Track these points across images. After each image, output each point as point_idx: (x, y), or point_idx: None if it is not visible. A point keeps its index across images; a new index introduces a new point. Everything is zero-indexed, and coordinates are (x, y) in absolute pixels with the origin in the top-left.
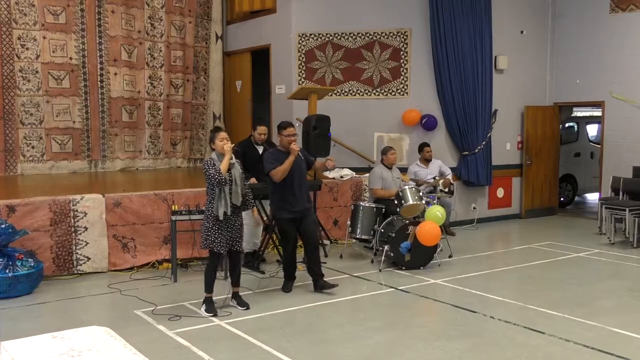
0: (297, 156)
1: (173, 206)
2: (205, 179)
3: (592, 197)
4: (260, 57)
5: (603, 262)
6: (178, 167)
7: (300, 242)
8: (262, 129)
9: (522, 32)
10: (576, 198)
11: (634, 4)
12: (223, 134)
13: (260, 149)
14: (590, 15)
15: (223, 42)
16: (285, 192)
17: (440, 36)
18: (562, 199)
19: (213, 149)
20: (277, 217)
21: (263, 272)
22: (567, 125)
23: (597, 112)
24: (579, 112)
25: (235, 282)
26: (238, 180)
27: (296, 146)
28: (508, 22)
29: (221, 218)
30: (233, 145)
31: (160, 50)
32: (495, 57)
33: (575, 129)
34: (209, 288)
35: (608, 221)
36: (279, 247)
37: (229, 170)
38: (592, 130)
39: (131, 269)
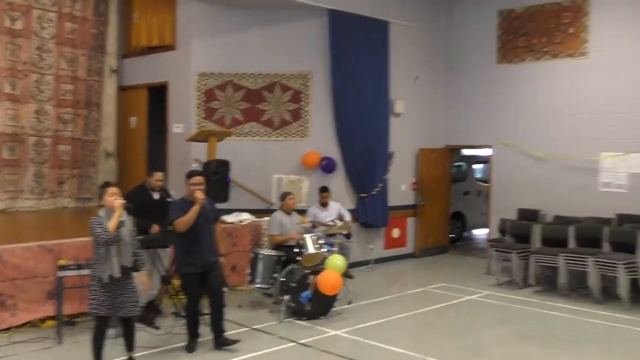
0: (203, 206)
1: (61, 260)
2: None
3: (480, 233)
4: (158, 94)
5: (493, 305)
6: (64, 207)
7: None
8: (158, 175)
9: (416, 77)
10: (465, 234)
11: (518, 56)
12: (113, 189)
13: (156, 195)
14: (480, 65)
15: (118, 76)
16: (191, 244)
17: (340, 80)
18: (452, 235)
19: (102, 206)
20: (181, 272)
21: (158, 328)
22: (456, 164)
23: (483, 152)
24: (467, 152)
25: (129, 347)
26: (128, 239)
27: (201, 195)
28: (405, 68)
29: (106, 281)
30: (125, 201)
31: (49, 83)
32: (393, 101)
33: (464, 168)
34: (96, 356)
35: (496, 262)
36: (175, 298)
37: (118, 228)
38: (479, 169)
39: (8, 329)
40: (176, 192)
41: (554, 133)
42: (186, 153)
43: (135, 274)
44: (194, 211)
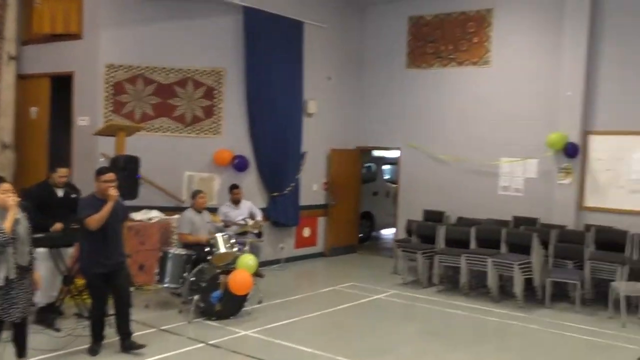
0: (115, 204)
1: None
2: None
3: (388, 233)
4: (62, 84)
5: (399, 304)
6: None
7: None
8: (62, 171)
9: (329, 78)
10: (373, 234)
11: (426, 62)
12: (6, 186)
13: (61, 192)
14: (390, 68)
15: (17, 63)
16: (99, 243)
17: (254, 78)
18: (361, 235)
19: None
20: (87, 273)
21: (59, 330)
22: (366, 165)
23: (392, 154)
24: (376, 153)
25: (20, 353)
26: (24, 238)
27: (115, 192)
28: (319, 69)
29: (1, 284)
30: (19, 198)
31: None
32: (306, 101)
33: (374, 169)
34: None
35: (402, 261)
36: (78, 298)
37: (14, 227)
38: (388, 170)
39: None
40: (81, 188)
41: (458, 137)
42: (92, 147)
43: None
44: (107, 209)
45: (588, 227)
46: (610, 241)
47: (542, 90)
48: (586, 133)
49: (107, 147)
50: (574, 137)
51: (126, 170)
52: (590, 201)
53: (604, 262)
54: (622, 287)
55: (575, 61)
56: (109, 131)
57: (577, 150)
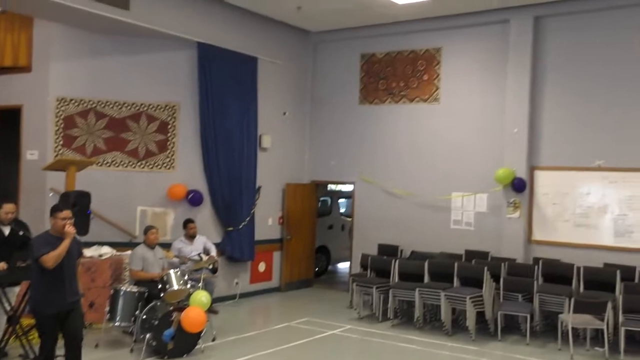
0: (71, 242)
1: None
2: None
3: (344, 266)
4: (9, 118)
5: (354, 339)
6: None
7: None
8: (9, 207)
9: (284, 113)
10: (329, 267)
11: (378, 98)
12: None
13: (7, 230)
14: (344, 104)
15: None
16: (54, 282)
17: (208, 112)
18: (317, 268)
19: None
20: (40, 313)
21: None
22: (321, 199)
23: (347, 188)
24: (332, 187)
25: None
26: None
27: (72, 229)
28: (273, 104)
29: None
30: None
31: None
32: (260, 135)
33: (329, 203)
34: None
35: (357, 296)
36: (24, 339)
37: None
38: (342, 204)
39: None
40: (30, 224)
41: (412, 172)
42: (41, 182)
43: None
44: (64, 246)
45: (536, 260)
46: (558, 274)
47: (490, 126)
48: (532, 168)
49: (57, 181)
50: (521, 173)
51: (77, 206)
52: (538, 234)
53: (551, 295)
54: (569, 319)
55: (519, 100)
56: (59, 165)
57: (525, 185)
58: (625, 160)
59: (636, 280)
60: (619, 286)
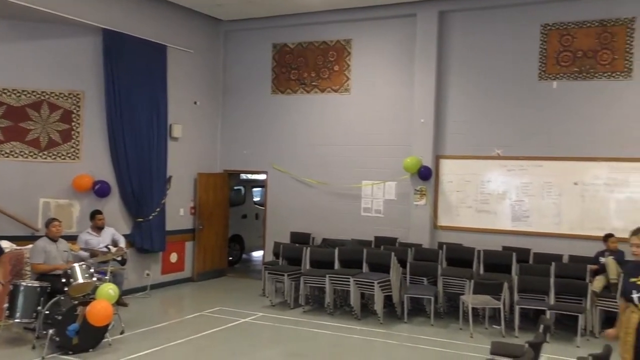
0: None
1: None
2: None
3: (258, 255)
4: None
5: (266, 326)
6: None
7: None
8: None
9: (195, 102)
10: (243, 256)
11: (290, 88)
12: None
13: None
14: (256, 93)
15: None
16: None
17: (115, 101)
18: (230, 258)
19: None
20: None
21: None
22: (235, 188)
23: (260, 177)
24: (245, 176)
25: None
26: None
27: None
28: (184, 93)
29: None
30: None
31: None
32: (171, 125)
33: (243, 192)
34: None
35: (270, 284)
36: None
37: None
38: (256, 193)
39: None
40: None
41: (323, 160)
42: None
43: None
44: None
45: (441, 245)
46: (460, 258)
47: (398, 117)
48: (438, 157)
49: None
50: (427, 161)
51: None
52: (443, 220)
53: (454, 278)
54: (469, 299)
55: (426, 92)
56: None
57: (430, 173)
58: (522, 149)
59: (530, 262)
60: (515, 268)
